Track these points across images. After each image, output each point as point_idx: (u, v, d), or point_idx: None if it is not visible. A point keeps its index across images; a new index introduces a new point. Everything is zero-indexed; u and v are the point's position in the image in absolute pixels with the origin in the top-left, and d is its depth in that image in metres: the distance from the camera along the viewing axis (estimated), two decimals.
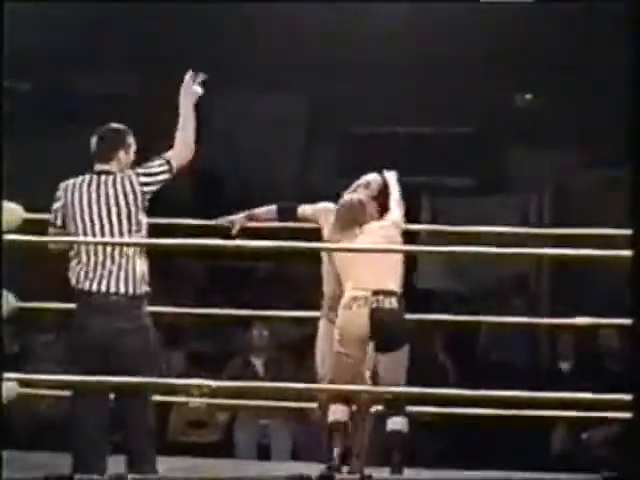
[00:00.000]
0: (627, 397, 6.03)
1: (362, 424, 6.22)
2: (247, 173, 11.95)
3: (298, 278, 10.02)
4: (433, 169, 11.76)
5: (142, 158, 6.21)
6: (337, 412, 6.09)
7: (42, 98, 12.03)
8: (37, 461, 6.76)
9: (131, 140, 6.27)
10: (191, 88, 6.23)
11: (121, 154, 6.19)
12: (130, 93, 12.06)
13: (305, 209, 6.47)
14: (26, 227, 6.59)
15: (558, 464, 7.63)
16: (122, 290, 6.11)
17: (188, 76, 6.24)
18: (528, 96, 12.77)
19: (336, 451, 6.05)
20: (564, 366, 9.00)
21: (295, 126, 12.38)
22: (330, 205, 6.43)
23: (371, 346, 6.03)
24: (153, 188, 6.12)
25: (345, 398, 6.09)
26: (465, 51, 10.65)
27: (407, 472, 6.25)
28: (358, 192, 6.35)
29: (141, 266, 6.13)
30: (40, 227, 6.35)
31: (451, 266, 11.20)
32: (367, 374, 6.11)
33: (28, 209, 6.69)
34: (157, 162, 6.14)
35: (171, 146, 6.12)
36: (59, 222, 6.20)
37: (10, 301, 6.77)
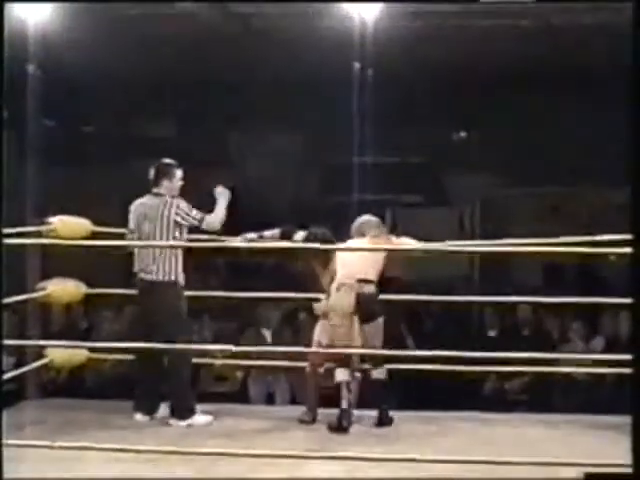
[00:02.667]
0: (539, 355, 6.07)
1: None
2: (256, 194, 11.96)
3: (293, 271, 9.98)
4: (392, 189, 11.73)
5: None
6: (341, 374, 6.09)
7: (105, 138, 12.00)
8: (102, 406, 6.71)
9: (175, 171, 6.29)
10: (226, 194, 6.28)
11: (166, 182, 6.24)
12: (170, 134, 12.04)
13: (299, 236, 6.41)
14: (93, 236, 6.56)
15: (488, 405, 7.58)
16: (159, 278, 6.13)
17: (222, 190, 6.26)
18: (462, 133, 12.79)
19: (344, 402, 6.04)
20: (491, 333, 8.98)
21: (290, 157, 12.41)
22: None
23: (356, 319, 6.08)
24: (183, 222, 6.17)
25: (343, 361, 6.11)
26: (414, 99, 10.69)
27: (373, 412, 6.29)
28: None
29: (173, 262, 6.14)
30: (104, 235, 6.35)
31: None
32: (358, 340, 6.09)
33: (95, 223, 6.65)
34: (195, 214, 6.18)
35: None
36: (132, 226, 6.25)
37: (80, 287, 6.73)
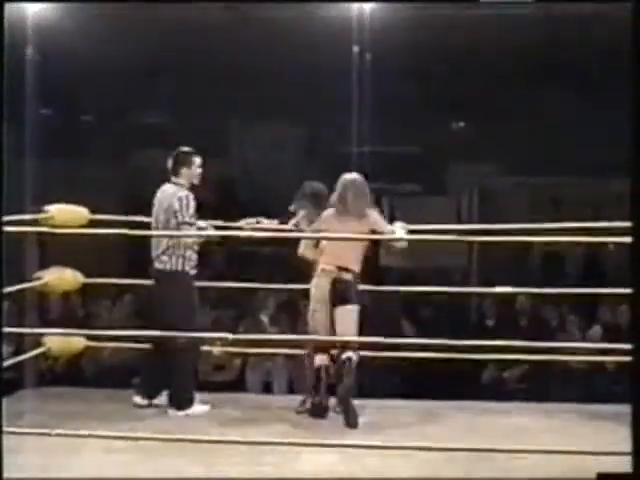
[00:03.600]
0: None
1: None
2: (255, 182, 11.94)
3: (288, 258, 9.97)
4: (391, 178, 11.72)
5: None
6: (321, 359, 6.10)
7: (102, 127, 11.98)
8: (99, 396, 6.69)
9: (193, 159, 6.26)
10: None
11: (185, 170, 6.22)
12: (170, 124, 12.01)
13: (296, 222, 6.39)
14: (91, 224, 6.53)
15: (486, 394, 7.57)
16: (168, 267, 6.12)
17: None
18: (460, 123, 12.78)
19: (322, 387, 6.06)
20: (489, 322, 8.97)
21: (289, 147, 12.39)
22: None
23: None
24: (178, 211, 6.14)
25: (323, 348, 6.10)
26: (413, 89, 10.69)
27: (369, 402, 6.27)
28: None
29: (183, 251, 6.11)
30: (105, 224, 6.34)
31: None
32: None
33: (93, 211, 6.62)
34: (190, 214, 6.13)
35: None
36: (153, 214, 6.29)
37: (77, 277, 6.70)
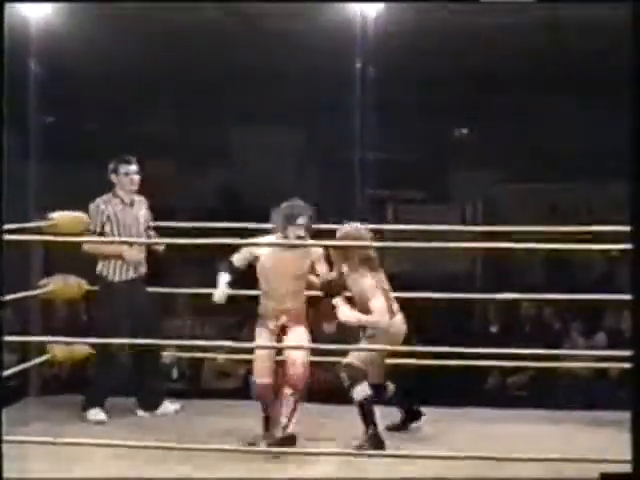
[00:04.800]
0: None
1: None
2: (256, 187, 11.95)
3: None
4: (394, 185, 11.73)
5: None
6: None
7: (105, 135, 12.00)
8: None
9: (118, 166, 6.32)
10: None
11: (113, 177, 6.31)
12: (170, 132, 12.05)
13: None
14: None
15: (490, 401, 7.58)
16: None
17: None
18: (463, 130, 12.80)
19: None
20: (493, 329, 8.99)
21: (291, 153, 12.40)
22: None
23: None
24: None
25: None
26: (416, 95, 10.73)
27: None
28: None
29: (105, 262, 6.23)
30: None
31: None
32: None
33: None
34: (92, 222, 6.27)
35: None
36: None
37: (81, 284, 6.72)
